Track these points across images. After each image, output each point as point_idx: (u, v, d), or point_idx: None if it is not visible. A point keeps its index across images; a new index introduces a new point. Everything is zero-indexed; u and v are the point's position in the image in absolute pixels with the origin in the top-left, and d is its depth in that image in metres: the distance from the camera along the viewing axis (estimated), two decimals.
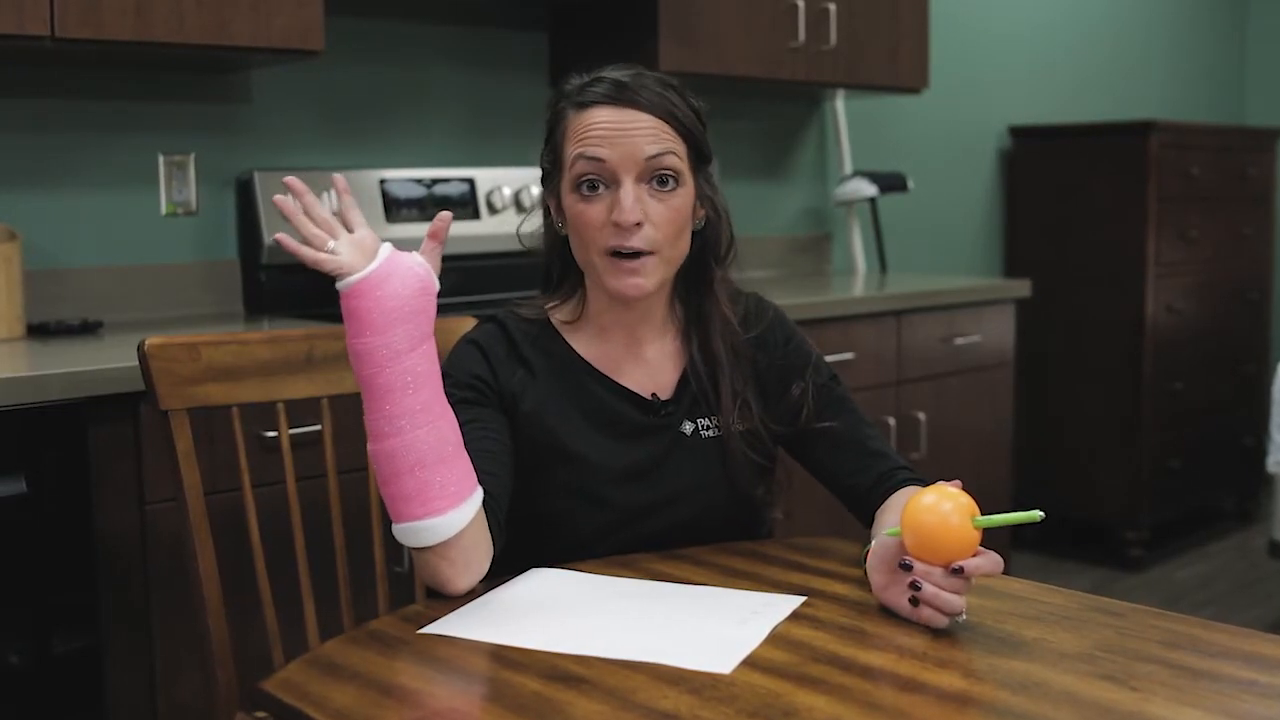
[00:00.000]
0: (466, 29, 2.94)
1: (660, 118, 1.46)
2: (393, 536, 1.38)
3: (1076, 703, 1.05)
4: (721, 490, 1.54)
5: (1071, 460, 4.27)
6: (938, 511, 1.21)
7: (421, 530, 1.32)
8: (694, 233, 1.53)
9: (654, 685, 1.08)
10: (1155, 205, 4.06)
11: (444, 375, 1.51)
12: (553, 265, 1.60)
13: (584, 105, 1.47)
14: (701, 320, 1.56)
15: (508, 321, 1.57)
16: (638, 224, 1.44)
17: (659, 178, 1.45)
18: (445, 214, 1.37)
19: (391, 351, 1.32)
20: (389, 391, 1.32)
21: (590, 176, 1.45)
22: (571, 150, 1.46)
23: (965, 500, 1.22)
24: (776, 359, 1.60)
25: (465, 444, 1.39)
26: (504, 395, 1.52)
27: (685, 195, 1.48)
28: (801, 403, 1.57)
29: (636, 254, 1.45)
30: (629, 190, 1.44)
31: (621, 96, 1.45)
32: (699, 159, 1.52)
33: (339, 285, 1.32)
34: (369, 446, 1.35)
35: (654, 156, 1.44)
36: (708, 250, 1.56)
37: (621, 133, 1.44)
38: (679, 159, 1.47)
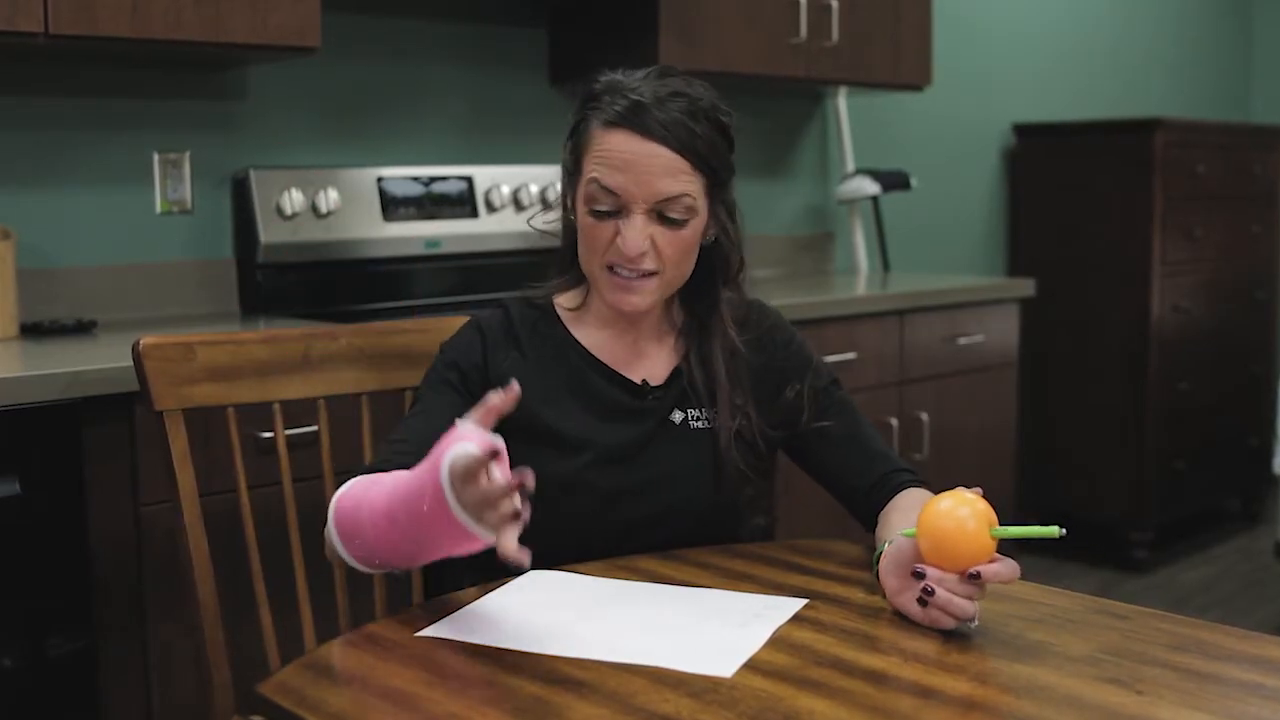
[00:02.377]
0: (465, 25, 2.93)
1: (679, 152, 1.44)
2: None
3: (1081, 706, 1.04)
4: (702, 482, 1.54)
5: (1076, 461, 4.25)
6: (955, 517, 1.20)
7: None
8: (701, 247, 1.53)
9: (654, 688, 1.07)
10: (1161, 204, 4.05)
11: (440, 350, 1.57)
12: (566, 250, 1.60)
13: (607, 123, 1.46)
14: (703, 336, 1.57)
15: (512, 307, 1.59)
16: (639, 255, 1.45)
17: (669, 214, 1.46)
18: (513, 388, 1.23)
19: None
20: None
21: (601, 201, 1.46)
22: (588, 167, 1.47)
23: (983, 507, 1.21)
24: (776, 362, 1.60)
25: (414, 426, 1.46)
26: (490, 381, 1.52)
27: (696, 226, 1.49)
28: (799, 405, 1.58)
29: (640, 274, 1.47)
30: (636, 224, 1.44)
31: (643, 126, 1.43)
32: (716, 185, 1.51)
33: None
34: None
35: (666, 197, 1.44)
36: (716, 269, 1.56)
37: (637, 165, 1.43)
38: (692, 196, 1.47)
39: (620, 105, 1.45)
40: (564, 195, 1.57)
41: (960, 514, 1.20)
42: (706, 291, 1.57)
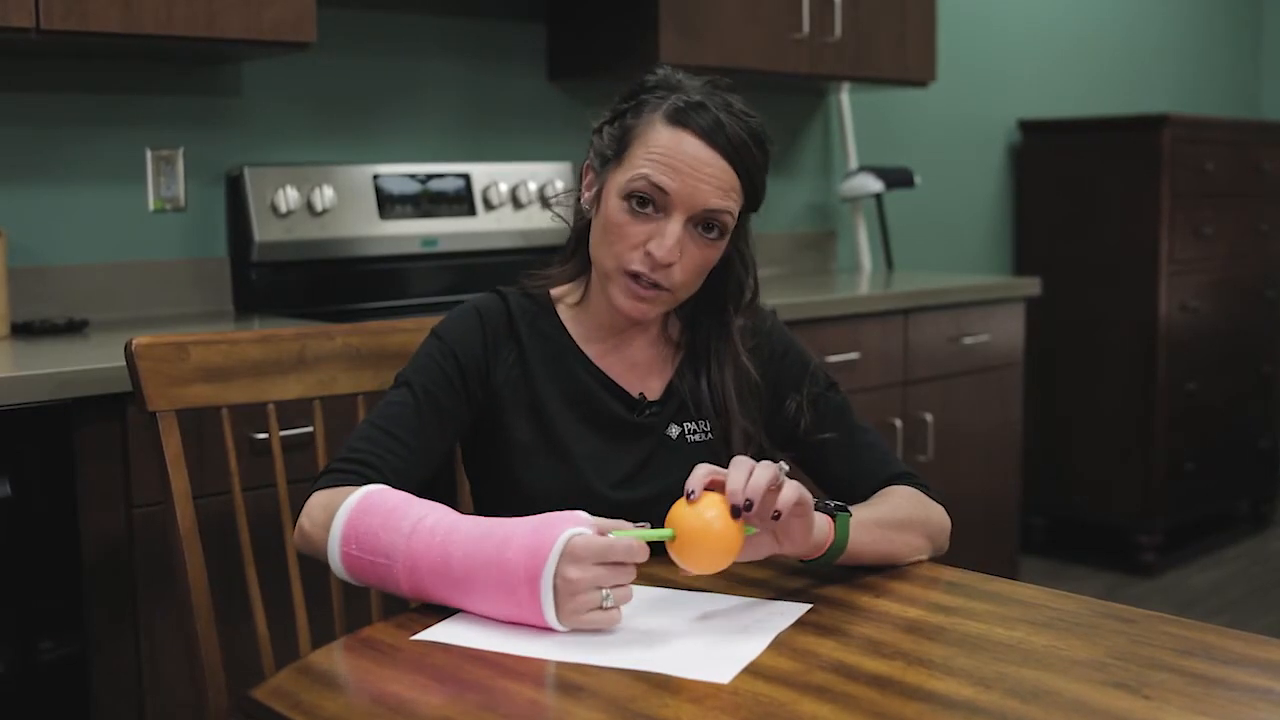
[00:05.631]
0: (462, 20, 2.92)
1: (736, 170, 1.43)
2: None
3: (1088, 711, 1.03)
4: None
5: (1083, 463, 4.23)
6: (698, 518, 1.22)
7: None
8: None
9: (654, 694, 1.06)
10: (1168, 201, 4.02)
11: (436, 335, 1.52)
12: (573, 238, 1.58)
13: (672, 120, 1.43)
14: (711, 359, 1.54)
15: (510, 297, 1.56)
16: (669, 264, 1.43)
17: (706, 224, 1.44)
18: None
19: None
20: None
21: (646, 195, 1.42)
22: (640, 159, 1.43)
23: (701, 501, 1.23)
24: (774, 372, 1.58)
25: (408, 424, 1.43)
26: (489, 381, 1.50)
27: (721, 246, 1.48)
28: (799, 416, 1.56)
29: (654, 285, 1.44)
30: (675, 229, 1.42)
31: (711, 134, 1.42)
32: (749, 210, 1.51)
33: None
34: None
35: (712, 210, 1.43)
36: (726, 293, 1.54)
37: (696, 172, 1.41)
38: (732, 215, 1.46)
39: (686, 104, 1.43)
40: (585, 180, 1.53)
41: (702, 515, 1.23)
42: (715, 314, 1.55)
